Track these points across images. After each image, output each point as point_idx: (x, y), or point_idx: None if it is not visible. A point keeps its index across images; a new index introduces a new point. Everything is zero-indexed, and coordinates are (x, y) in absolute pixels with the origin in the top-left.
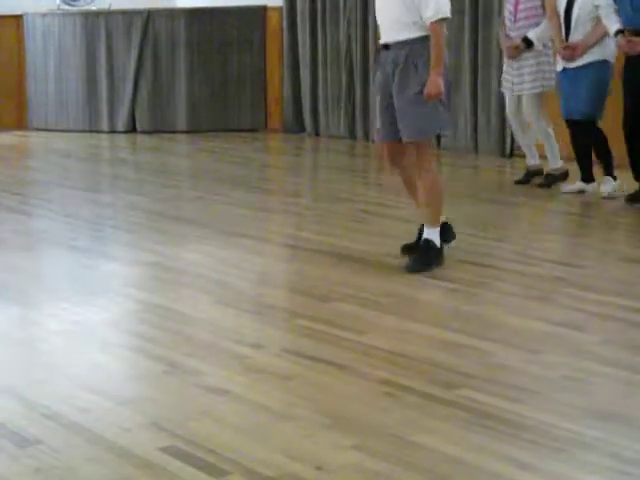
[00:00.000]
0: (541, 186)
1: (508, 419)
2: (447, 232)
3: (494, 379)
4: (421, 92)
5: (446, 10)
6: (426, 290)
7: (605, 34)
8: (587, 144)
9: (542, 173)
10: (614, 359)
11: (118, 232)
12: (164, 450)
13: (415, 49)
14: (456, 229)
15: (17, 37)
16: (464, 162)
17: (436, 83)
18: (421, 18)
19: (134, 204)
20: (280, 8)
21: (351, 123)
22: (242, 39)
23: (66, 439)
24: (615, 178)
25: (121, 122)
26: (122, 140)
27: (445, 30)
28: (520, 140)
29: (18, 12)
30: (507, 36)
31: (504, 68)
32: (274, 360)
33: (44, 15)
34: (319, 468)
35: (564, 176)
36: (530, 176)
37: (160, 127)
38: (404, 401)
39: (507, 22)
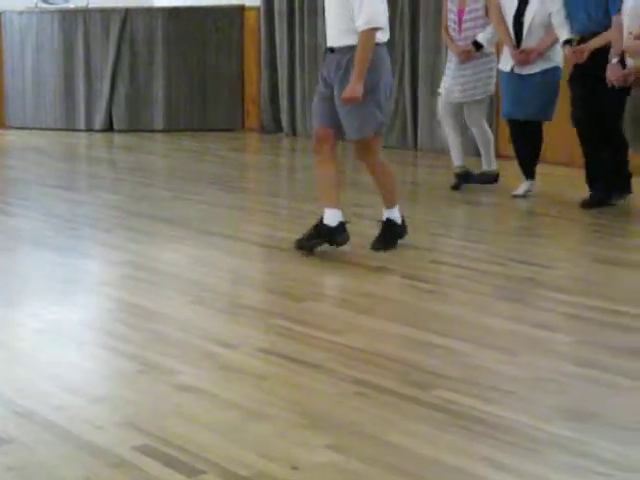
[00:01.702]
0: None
1: (483, 419)
2: (341, 232)
3: (469, 379)
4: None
5: (378, 20)
6: (401, 290)
7: (557, 40)
8: (536, 143)
9: (469, 174)
10: (587, 360)
11: (95, 231)
12: (138, 449)
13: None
14: (431, 230)
15: None
16: (441, 163)
17: (354, 88)
18: None
19: (111, 203)
20: (258, 8)
21: None
22: (220, 38)
23: (39, 437)
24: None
25: (98, 120)
26: (99, 139)
27: (381, 38)
28: (452, 141)
29: None
30: (454, 42)
31: (447, 72)
32: (249, 359)
33: (21, 13)
34: (295, 468)
35: (496, 179)
36: (462, 181)
37: (137, 126)
38: (379, 401)
39: (451, 32)
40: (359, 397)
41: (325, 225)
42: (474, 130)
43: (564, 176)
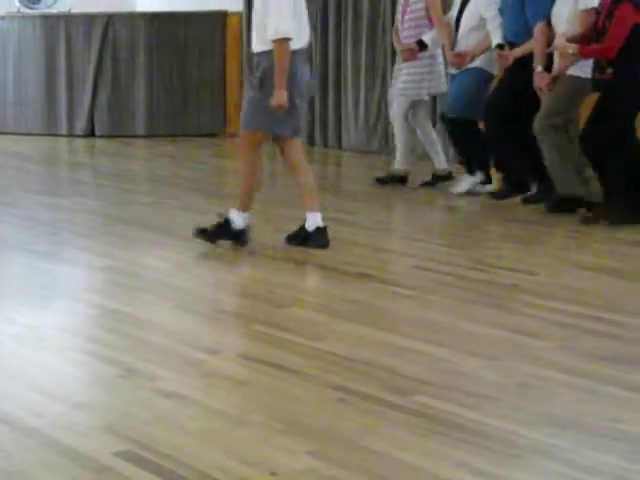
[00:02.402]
0: (380, 181)
1: (464, 426)
2: (321, 236)
3: (450, 386)
4: (252, 94)
5: (285, 31)
6: (382, 296)
7: (490, 45)
8: (466, 141)
9: (449, 177)
10: (569, 366)
11: (75, 236)
12: (119, 455)
13: (263, 60)
14: (412, 235)
15: None
16: (420, 169)
17: (278, 96)
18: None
19: (92, 208)
20: (240, 13)
21: (310, 129)
22: (202, 44)
23: (20, 443)
24: (473, 174)
25: (80, 126)
26: (81, 144)
27: (292, 46)
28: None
29: None
30: (400, 41)
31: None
32: (230, 365)
33: (3, 18)
34: (274, 474)
35: (403, 180)
36: (437, 180)
37: (119, 131)
38: (359, 407)
39: (398, 31)
40: (340, 403)
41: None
42: (418, 131)
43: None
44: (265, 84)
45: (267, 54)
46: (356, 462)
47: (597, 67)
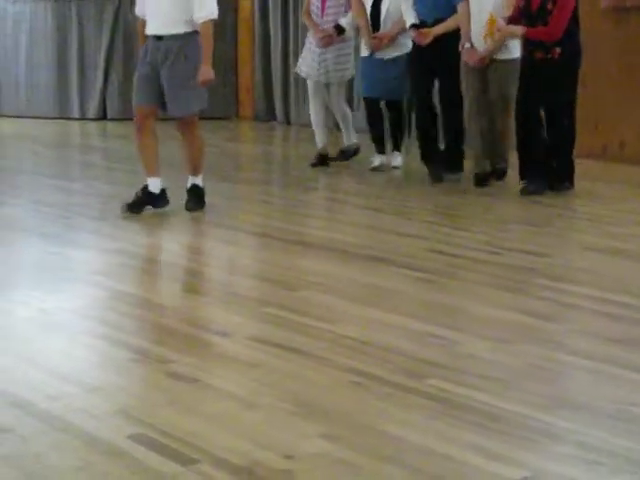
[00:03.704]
0: (335, 159)
1: (477, 409)
2: (163, 198)
3: (463, 369)
4: (189, 78)
5: (216, 12)
6: (395, 279)
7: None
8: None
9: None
10: (582, 349)
11: (87, 219)
12: (132, 438)
13: (186, 42)
14: (425, 218)
15: None
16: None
17: (208, 72)
18: (192, 16)
19: (104, 192)
20: None
21: None
22: (214, 26)
23: (34, 427)
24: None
25: (92, 109)
26: (92, 127)
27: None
28: (320, 121)
29: None
30: (318, 27)
31: (304, 54)
32: (242, 348)
33: (15, 1)
34: (289, 457)
35: (357, 152)
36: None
37: (130, 114)
38: (373, 390)
39: (314, 16)
40: (353, 386)
41: (150, 192)
42: (334, 108)
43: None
44: (196, 66)
45: (192, 35)
46: (370, 445)
47: (541, 47)
